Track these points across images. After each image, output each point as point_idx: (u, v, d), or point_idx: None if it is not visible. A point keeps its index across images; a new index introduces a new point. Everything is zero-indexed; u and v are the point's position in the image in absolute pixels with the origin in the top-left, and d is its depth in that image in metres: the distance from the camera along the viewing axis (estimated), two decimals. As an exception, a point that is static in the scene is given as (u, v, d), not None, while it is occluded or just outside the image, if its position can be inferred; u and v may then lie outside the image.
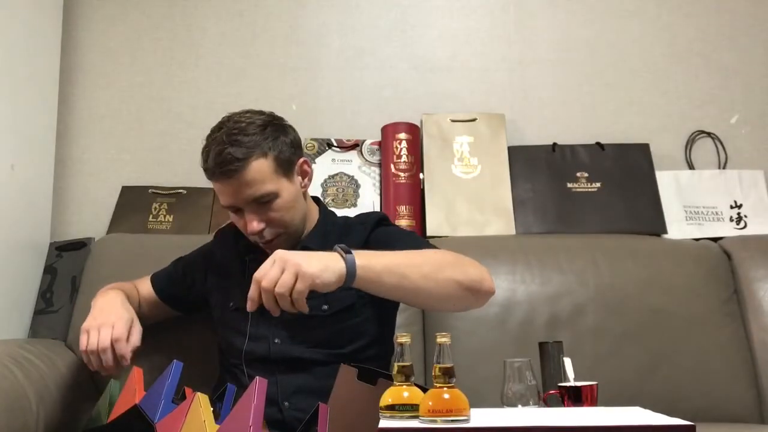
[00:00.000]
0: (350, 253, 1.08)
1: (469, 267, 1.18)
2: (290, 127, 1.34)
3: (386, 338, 1.35)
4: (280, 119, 1.33)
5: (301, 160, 1.33)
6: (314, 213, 1.40)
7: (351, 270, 1.07)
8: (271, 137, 1.26)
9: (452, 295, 1.15)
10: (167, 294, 1.48)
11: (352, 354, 1.27)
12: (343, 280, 1.06)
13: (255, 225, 1.25)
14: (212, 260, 1.46)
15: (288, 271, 1.02)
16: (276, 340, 1.29)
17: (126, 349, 1.25)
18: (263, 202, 1.25)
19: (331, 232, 1.35)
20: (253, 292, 1.04)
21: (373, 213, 1.46)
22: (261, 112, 1.31)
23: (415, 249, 1.24)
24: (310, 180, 1.36)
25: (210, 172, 1.25)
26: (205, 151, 1.26)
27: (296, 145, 1.32)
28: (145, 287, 1.49)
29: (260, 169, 1.23)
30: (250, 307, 1.04)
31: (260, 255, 1.34)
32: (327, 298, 1.26)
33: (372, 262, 1.09)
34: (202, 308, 1.47)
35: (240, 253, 1.39)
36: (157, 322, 1.48)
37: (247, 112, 1.30)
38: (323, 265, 1.04)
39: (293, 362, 1.27)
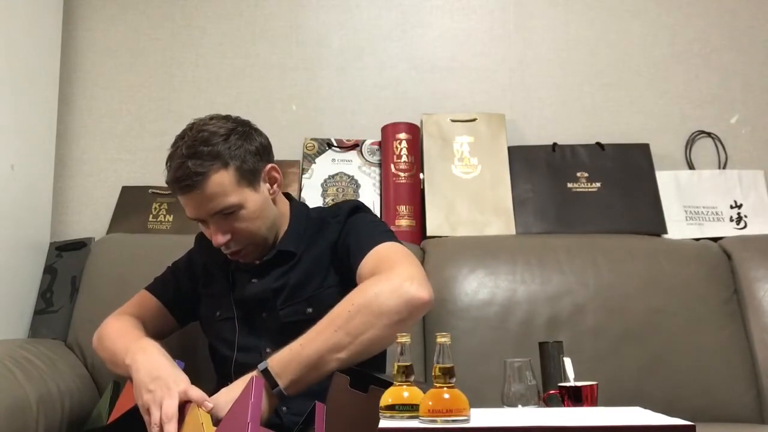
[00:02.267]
0: (276, 384, 1.09)
1: (387, 299, 1.10)
2: (257, 132, 1.30)
3: None
4: (246, 125, 1.29)
5: (269, 166, 1.29)
6: (287, 214, 1.37)
7: (281, 397, 1.11)
8: (234, 146, 1.22)
9: (389, 336, 1.09)
10: (172, 302, 1.43)
11: None
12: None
13: (220, 238, 1.23)
14: (197, 267, 1.43)
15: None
16: (267, 350, 1.26)
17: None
18: (227, 214, 1.23)
19: (305, 231, 1.33)
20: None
21: (346, 203, 1.37)
22: (226, 119, 1.28)
23: (368, 245, 1.22)
24: (279, 186, 1.32)
25: (170, 186, 1.23)
26: (167, 164, 1.24)
27: (262, 152, 1.28)
28: (146, 306, 1.41)
29: (221, 182, 1.20)
30: None
31: (240, 263, 1.34)
32: (310, 301, 1.26)
33: (295, 376, 1.10)
34: (198, 314, 1.45)
35: (224, 261, 1.36)
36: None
37: (212, 118, 1.27)
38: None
39: None
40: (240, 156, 1.23)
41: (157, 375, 1.12)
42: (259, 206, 1.26)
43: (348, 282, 1.24)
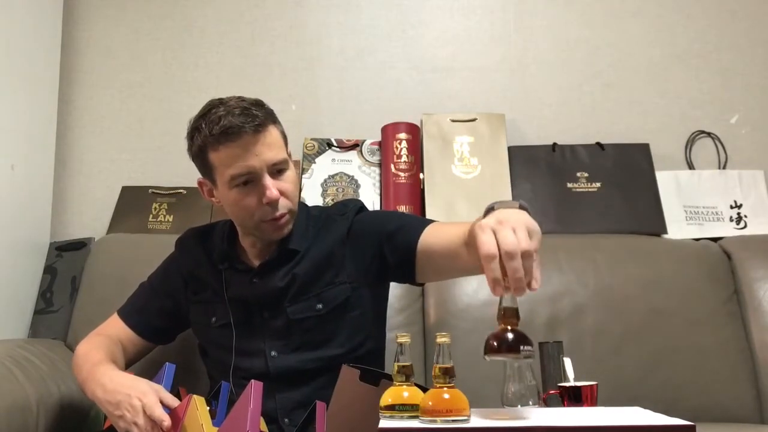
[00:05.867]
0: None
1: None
2: None
3: (380, 333, 1.34)
4: None
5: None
6: None
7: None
8: (273, 114, 1.24)
9: None
10: (148, 330, 1.38)
11: (350, 352, 1.24)
12: None
13: (275, 192, 1.18)
14: (179, 277, 1.37)
15: (520, 229, 0.83)
16: (272, 353, 1.24)
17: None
18: (278, 171, 1.21)
19: (307, 229, 1.30)
20: (494, 271, 0.81)
21: (352, 201, 1.36)
22: None
23: (415, 222, 1.25)
24: None
25: (230, 131, 1.15)
26: (213, 118, 1.17)
27: None
28: (119, 328, 1.37)
29: (277, 135, 1.22)
30: (498, 291, 0.83)
31: (235, 263, 1.30)
32: (320, 297, 1.24)
33: None
34: (185, 326, 1.41)
35: (213, 264, 1.32)
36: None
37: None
38: (532, 219, 0.89)
39: (292, 376, 1.23)
40: (280, 123, 1.25)
41: (118, 400, 1.10)
42: (295, 174, 1.26)
43: (372, 273, 1.25)
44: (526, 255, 0.81)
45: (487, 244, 0.82)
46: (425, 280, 1.30)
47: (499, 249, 0.82)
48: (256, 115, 1.17)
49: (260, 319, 1.27)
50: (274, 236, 1.25)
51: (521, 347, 0.82)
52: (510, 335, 0.83)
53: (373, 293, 1.30)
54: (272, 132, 1.20)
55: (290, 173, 1.23)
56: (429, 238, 1.19)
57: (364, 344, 1.28)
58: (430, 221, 1.25)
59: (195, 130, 1.21)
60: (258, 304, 1.27)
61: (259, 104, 1.22)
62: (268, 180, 1.19)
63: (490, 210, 0.93)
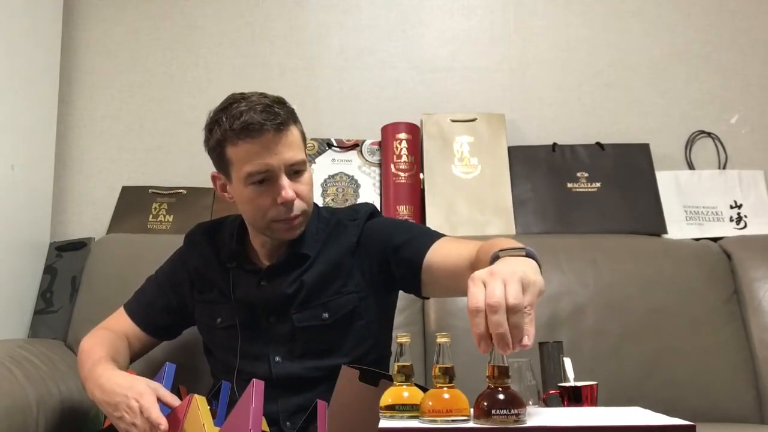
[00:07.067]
0: (534, 257, 0.91)
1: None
2: None
3: (386, 341, 1.33)
4: None
5: None
6: None
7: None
8: (294, 113, 1.23)
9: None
10: (153, 326, 1.37)
11: (355, 361, 1.20)
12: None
13: (291, 193, 1.17)
14: (186, 274, 1.36)
15: (511, 282, 0.79)
16: (276, 359, 1.24)
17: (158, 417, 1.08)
18: (295, 172, 1.20)
19: (317, 232, 1.29)
20: (478, 326, 0.78)
21: (363, 206, 1.34)
22: None
23: (422, 234, 1.23)
24: None
25: (251, 127, 1.14)
26: (235, 113, 1.16)
27: None
28: (124, 323, 1.37)
29: (297, 135, 1.20)
30: (483, 348, 0.79)
31: (244, 263, 1.29)
32: (327, 306, 1.23)
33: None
34: (191, 323, 1.40)
35: (221, 262, 1.31)
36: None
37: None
38: (535, 270, 0.85)
39: (295, 382, 1.23)
40: (300, 123, 1.24)
41: (116, 402, 1.10)
42: (312, 176, 1.26)
43: (379, 283, 1.24)
44: (513, 310, 0.76)
45: (473, 297, 0.78)
46: (431, 295, 1.29)
47: None
48: (278, 113, 1.17)
49: (266, 324, 1.26)
50: (285, 236, 1.24)
51: (512, 410, 0.77)
52: (501, 396, 0.78)
53: (380, 302, 1.28)
54: (293, 132, 1.20)
55: (307, 175, 1.23)
56: (435, 257, 1.17)
57: (370, 353, 1.26)
58: (440, 236, 1.22)
59: (214, 123, 1.20)
60: (264, 309, 1.26)
61: (281, 102, 1.21)
62: (284, 180, 1.18)
63: (495, 258, 0.89)
